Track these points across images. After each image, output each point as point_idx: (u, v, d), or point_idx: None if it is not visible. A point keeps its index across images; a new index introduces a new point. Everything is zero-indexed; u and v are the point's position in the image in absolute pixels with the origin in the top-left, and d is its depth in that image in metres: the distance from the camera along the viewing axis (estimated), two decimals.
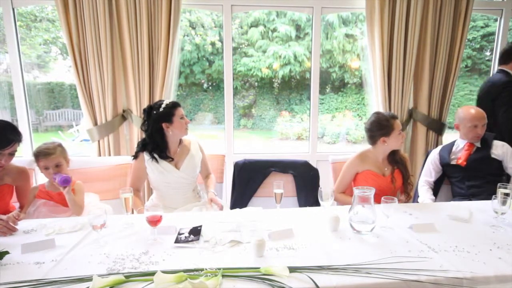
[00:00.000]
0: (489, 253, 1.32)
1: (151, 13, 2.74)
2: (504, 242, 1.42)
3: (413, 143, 3.26)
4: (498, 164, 2.20)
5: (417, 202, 2.32)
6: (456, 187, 2.32)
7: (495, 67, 3.42)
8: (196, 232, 1.46)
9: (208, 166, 2.22)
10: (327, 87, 8.13)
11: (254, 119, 8.38)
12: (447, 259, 1.26)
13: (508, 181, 2.18)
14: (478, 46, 7.88)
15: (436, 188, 2.42)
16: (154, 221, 1.40)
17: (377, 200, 1.60)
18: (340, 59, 7.77)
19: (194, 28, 7.59)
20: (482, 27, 7.26)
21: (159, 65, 2.80)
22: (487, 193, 1.88)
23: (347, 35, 7.45)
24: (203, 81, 8.15)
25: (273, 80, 8.14)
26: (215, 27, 7.51)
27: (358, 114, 8.34)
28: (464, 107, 2.29)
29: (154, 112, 1.96)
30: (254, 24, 7.69)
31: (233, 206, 2.20)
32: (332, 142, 7.53)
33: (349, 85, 8.26)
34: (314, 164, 3.17)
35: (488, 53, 8.10)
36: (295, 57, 7.54)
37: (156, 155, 1.98)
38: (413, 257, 1.27)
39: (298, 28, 7.61)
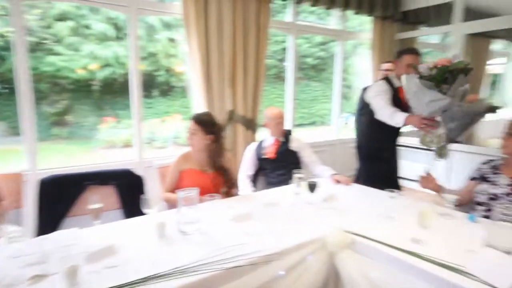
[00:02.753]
0: (292, 227, 1.59)
1: None
2: (302, 216, 1.75)
3: (235, 142, 3.60)
4: (296, 154, 2.70)
5: (239, 195, 2.57)
6: (269, 177, 2.70)
7: (289, 75, 4.20)
8: None
9: None
10: (154, 90, 7.90)
11: (71, 128, 7.25)
12: (261, 240, 1.44)
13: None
14: (280, 57, 9.46)
15: (255, 180, 2.75)
16: None
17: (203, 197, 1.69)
18: (165, 62, 7.72)
19: None
20: (281, 42, 8.75)
21: None
22: (292, 179, 2.26)
23: (170, 39, 7.46)
24: None
25: (92, 82, 7.26)
26: (5, 15, 6.04)
27: (188, 117, 8.48)
28: (269, 108, 2.69)
29: None
30: (61, 18, 6.63)
31: (40, 232, 1.82)
32: (163, 146, 7.40)
33: (176, 89, 8.30)
34: (142, 172, 3.04)
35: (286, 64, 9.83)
36: (116, 58, 6.98)
37: None
38: (234, 246, 1.39)
39: (117, 27, 7.06)
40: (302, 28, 4.22)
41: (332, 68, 4.91)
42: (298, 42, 4.36)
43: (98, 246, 1.34)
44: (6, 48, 6.13)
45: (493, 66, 5.39)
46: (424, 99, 1.95)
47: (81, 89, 7.21)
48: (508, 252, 1.21)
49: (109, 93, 7.47)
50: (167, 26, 7.84)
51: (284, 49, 4.84)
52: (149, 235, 1.50)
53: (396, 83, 2.62)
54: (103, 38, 7.00)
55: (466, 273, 1.16)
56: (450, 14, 4.27)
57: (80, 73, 6.96)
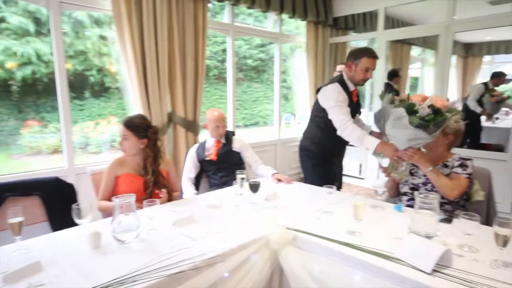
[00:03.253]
0: (233, 228, 1.60)
1: None
2: (245, 217, 1.76)
3: (175, 144, 3.51)
4: (239, 155, 2.72)
5: (183, 198, 2.50)
6: (211, 179, 2.67)
7: (229, 76, 4.21)
8: None
9: None
10: (85, 91, 7.31)
11: None
12: (204, 244, 1.42)
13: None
14: (221, 58, 9.44)
15: (197, 182, 2.70)
16: None
17: (141, 202, 1.62)
18: (97, 61, 7.18)
19: None
20: (221, 43, 8.75)
21: None
22: (235, 180, 2.26)
23: (102, 37, 6.97)
24: None
25: (10, 82, 6.47)
26: None
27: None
28: (209, 110, 2.66)
29: None
30: None
31: None
32: (98, 151, 6.90)
33: (111, 90, 7.80)
34: (73, 179, 2.82)
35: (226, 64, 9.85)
36: (39, 56, 6.31)
37: None
38: (177, 251, 1.35)
39: (38, 22, 6.38)
40: (240, 29, 4.27)
41: (272, 69, 5.04)
42: (238, 44, 4.40)
43: (19, 264, 1.20)
44: None
45: (413, 70, 6.01)
46: (406, 136, 1.84)
47: None
48: (428, 237, 1.36)
49: (32, 94, 6.74)
50: (97, 22, 7.31)
51: (224, 50, 4.85)
52: (82, 247, 1.39)
53: (350, 86, 2.49)
54: (21, 33, 6.28)
55: (395, 258, 1.27)
56: (374, 22, 4.68)
57: None
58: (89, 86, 7.71)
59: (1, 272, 1.16)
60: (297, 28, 5.53)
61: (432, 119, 1.74)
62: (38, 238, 1.50)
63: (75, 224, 1.50)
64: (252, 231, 1.55)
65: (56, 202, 1.85)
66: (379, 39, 4.58)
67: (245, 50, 10.16)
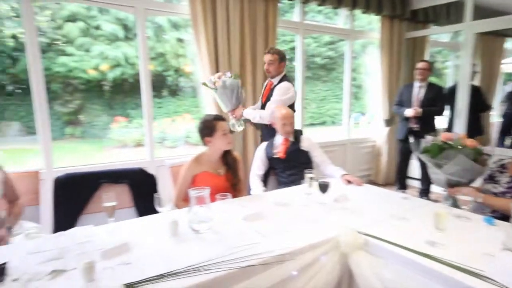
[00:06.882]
0: (302, 227, 1.59)
1: None
2: (314, 217, 1.74)
3: (245, 141, 3.61)
4: (307, 154, 2.69)
5: (251, 194, 2.56)
6: (280, 177, 2.69)
7: (298, 75, 4.19)
8: None
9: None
10: (163, 90, 7.94)
11: (84, 127, 7.35)
12: (273, 240, 1.44)
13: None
14: (289, 57, 9.43)
15: (266, 179, 2.75)
16: None
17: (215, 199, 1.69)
18: (175, 63, 7.74)
19: None
20: (290, 41, 8.76)
21: None
22: (303, 179, 2.25)
23: (178, 39, 7.48)
24: (5, 82, 6.50)
25: (103, 83, 7.33)
26: (17, 17, 6.09)
27: (198, 117, 8.51)
28: (277, 108, 2.67)
29: None
30: (71, 19, 6.69)
31: (56, 229, 1.85)
32: (174, 146, 7.46)
33: (185, 89, 8.34)
34: (154, 171, 3.06)
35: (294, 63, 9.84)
36: (126, 59, 7.03)
37: None
38: (246, 245, 1.39)
39: (126, 28, 7.10)
40: (309, 27, 4.20)
41: (341, 67, 4.89)
42: (307, 42, 4.35)
43: (112, 243, 1.35)
44: (20, 49, 6.24)
45: (507, 65, 5.30)
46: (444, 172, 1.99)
47: (92, 89, 7.30)
48: None
49: (120, 93, 7.56)
50: (175, 26, 7.86)
51: (292, 48, 4.84)
52: (162, 233, 1.51)
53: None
54: (112, 39, 7.06)
55: (486, 277, 1.14)
56: (460, 13, 4.21)
57: (91, 73, 7.05)
58: (167, 86, 8.36)
59: (98, 249, 1.32)
60: (370, 24, 5.27)
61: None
62: (126, 222, 1.68)
63: (156, 212, 1.64)
64: (321, 232, 1.52)
65: (141, 190, 2.05)
66: (465, 32, 4.12)
67: (314, 48, 9.97)
